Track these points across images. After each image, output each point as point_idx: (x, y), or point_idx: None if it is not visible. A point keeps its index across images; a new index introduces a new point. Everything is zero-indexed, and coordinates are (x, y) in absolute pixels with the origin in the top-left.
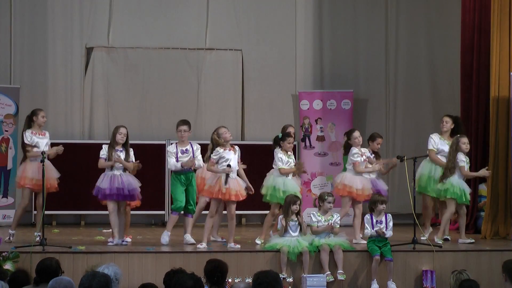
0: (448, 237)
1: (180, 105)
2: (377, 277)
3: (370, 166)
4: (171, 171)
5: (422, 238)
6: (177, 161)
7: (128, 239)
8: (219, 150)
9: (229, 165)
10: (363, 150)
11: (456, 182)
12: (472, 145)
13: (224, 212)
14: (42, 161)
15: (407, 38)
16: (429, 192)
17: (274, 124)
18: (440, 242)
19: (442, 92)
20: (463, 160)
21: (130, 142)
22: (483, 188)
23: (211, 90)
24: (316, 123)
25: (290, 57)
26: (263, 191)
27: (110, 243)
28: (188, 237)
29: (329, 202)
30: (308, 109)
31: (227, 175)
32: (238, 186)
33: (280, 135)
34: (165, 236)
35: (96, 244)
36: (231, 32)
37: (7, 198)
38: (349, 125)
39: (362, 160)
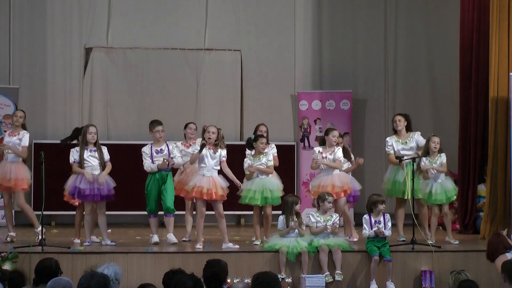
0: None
1: (179, 105)
2: (376, 277)
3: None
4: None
5: (430, 242)
6: (152, 162)
7: (97, 239)
8: (197, 147)
9: (203, 138)
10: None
11: (435, 188)
12: (471, 145)
13: (213, 212)
14: (42, 162)
15: (406, 39)
16: (395, 194)
17: (273, 125)
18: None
19: (441, 92)
20: (423, 164)
21: (129, 142)
22: (482, 189)
23: (210, 90)
24: (315, 124)
25: (289, 57)
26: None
27: (86, 244)
28: (171, 236)
29: (329, 202)
30: (307, 109)
31: (203, 145)
32: (211, 184)
33: (253, 136)
34: (153, 238)
35: (94, 245)
36: (230, 33)
37: None
38: (348, 125)
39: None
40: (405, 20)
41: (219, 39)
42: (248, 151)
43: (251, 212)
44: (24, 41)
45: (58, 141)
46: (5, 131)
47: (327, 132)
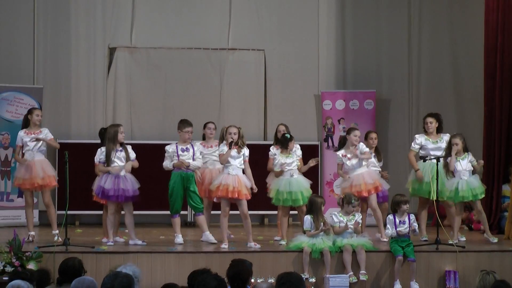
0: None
1: (202, 105)
2: (400, 277)
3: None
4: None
5: (451, 242)
6: (178, 158)
7: (121, 239)
8: (224, 147)
9: (232, 141)
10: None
11: (461, 185)
12: (496, 145)
13: (237, 212)
14: (66, 161)
15: (430, 38)
16: (421, 194)
17: (296, 124)
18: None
19: (465, 92)
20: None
21: (153, 142)
22: (506, 189)
23: (233, 90)
24: (339, 123)
25: (312, 57)
26: (269, 193)
27: (110, 243)
28: (207, 235)
29: (354, 206)
30: (330, 109)
31: (231, 143)
32: (237, 183)
33: (288, 135)
34: (177, 238)
35: (118, 244)
36: (253, 32)
37: (22, 198)
38: (372, 125)
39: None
40: (429, 20)
41: (242, 39)
42: (273, 150)
43: (275, 212)
44: (48, 41)
45: (82, 141)
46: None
47: (348, 132)
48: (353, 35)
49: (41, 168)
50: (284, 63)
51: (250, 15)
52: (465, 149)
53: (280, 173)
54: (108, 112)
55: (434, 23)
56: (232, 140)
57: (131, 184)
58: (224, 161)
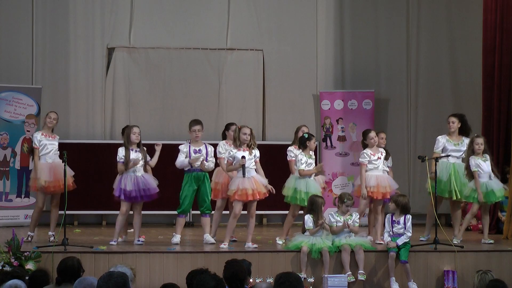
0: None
1: (201, 105)
2: (395, 275)
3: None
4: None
5: (455, 241)
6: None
7: (142, 239)
8: (233, 150)
9: (243, 157)
10: (381, 150)
11: (490, 186)
12: (494, 145)
13: (244, 212)
14: (64, 161)
15: (428, 38)
16: (439, 193)
17: (295, 124)
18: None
19: (464, 92)
20: (474, 165)
21: (151, 142)
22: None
23: (232, 90)
24: (337, 123)
25: (311, 57)
26: (284, 192)
27: (112, 243)
28: (208, 237)
29: (347, 206)
30: (329, 109)
31: (243, 166)
32: (255, 184)
33: (306, 135)
34: (174, 238)
35: (117, 244)
36: (252, 32)
37: (29, 198)
38: (371, 125)
39: (376, 159)
40: (428, 20)
41: (241, 39)
42: (296, 150)
43: (273, 212)
44: (47, 41)
45: (81, 141)
46: (28, 131)
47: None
48: (351, 35)
49: (62, 171)
50: (282, 63)
51: (248, 15)
52: (485, 151)
53: (308, 173)
54: (107, 112)
55: (432, 23)
56: (244, 163)
57: (150, 183)
58: (230, 171)
